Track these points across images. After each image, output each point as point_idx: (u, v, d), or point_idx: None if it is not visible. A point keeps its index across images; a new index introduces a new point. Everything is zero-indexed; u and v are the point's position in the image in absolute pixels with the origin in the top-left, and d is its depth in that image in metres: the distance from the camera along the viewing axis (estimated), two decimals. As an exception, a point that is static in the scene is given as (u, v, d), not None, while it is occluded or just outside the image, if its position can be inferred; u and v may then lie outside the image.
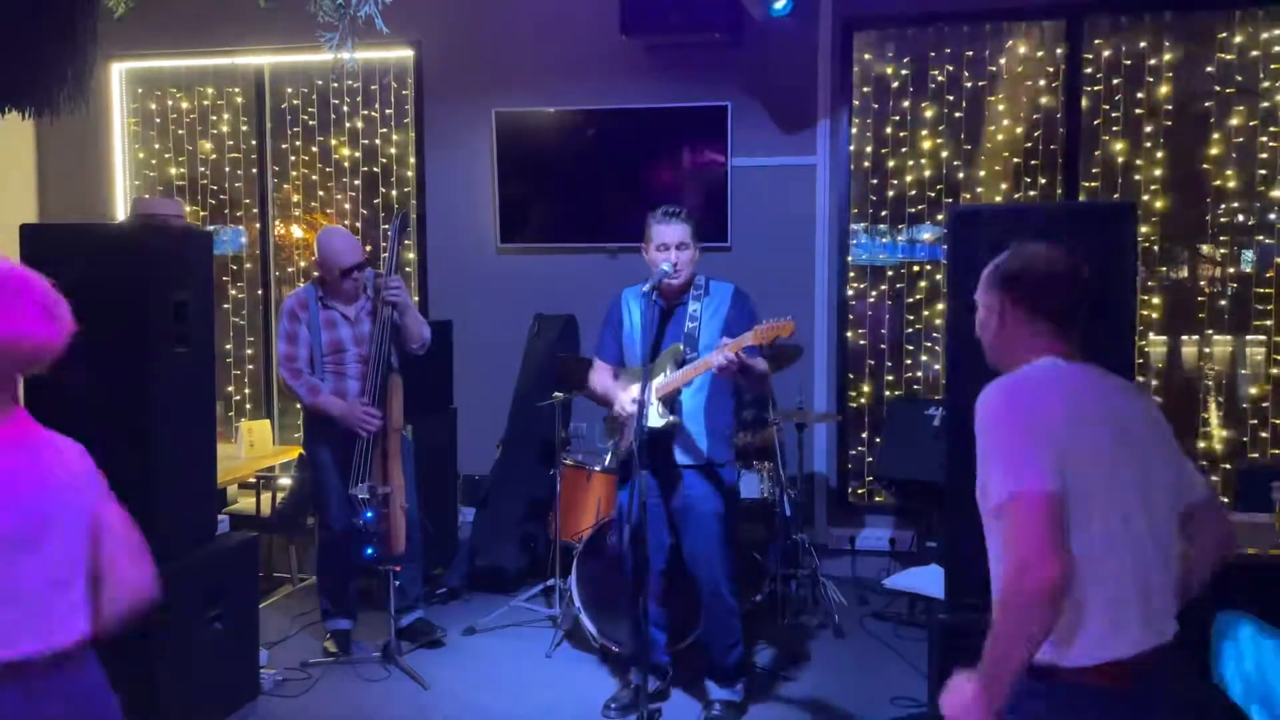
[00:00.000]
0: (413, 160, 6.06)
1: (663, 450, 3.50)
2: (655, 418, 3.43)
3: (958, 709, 1.74)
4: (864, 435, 5.62)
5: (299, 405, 4.33)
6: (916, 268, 5.57)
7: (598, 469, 4.43)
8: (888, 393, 5.57)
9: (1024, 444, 1.71)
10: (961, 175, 5.45)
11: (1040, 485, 1.66)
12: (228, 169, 6.39)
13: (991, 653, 1.67)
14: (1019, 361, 1.91)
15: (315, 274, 4.19)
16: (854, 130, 5.51)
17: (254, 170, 6.35)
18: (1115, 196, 5.20)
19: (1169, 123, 5.22)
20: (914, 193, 5.51)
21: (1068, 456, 1.71)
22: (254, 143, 6.33)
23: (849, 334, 5.53)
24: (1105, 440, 1.77)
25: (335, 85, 6.20)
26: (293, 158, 6.31)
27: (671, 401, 3.49)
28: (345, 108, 6.21)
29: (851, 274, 5.53)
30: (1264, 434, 5.22)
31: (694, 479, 3.55)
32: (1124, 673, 1.74)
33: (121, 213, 6.35)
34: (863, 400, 5.62)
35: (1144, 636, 1.77)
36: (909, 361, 5.57)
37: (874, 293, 5.60)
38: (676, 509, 3.59)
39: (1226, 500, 4.78)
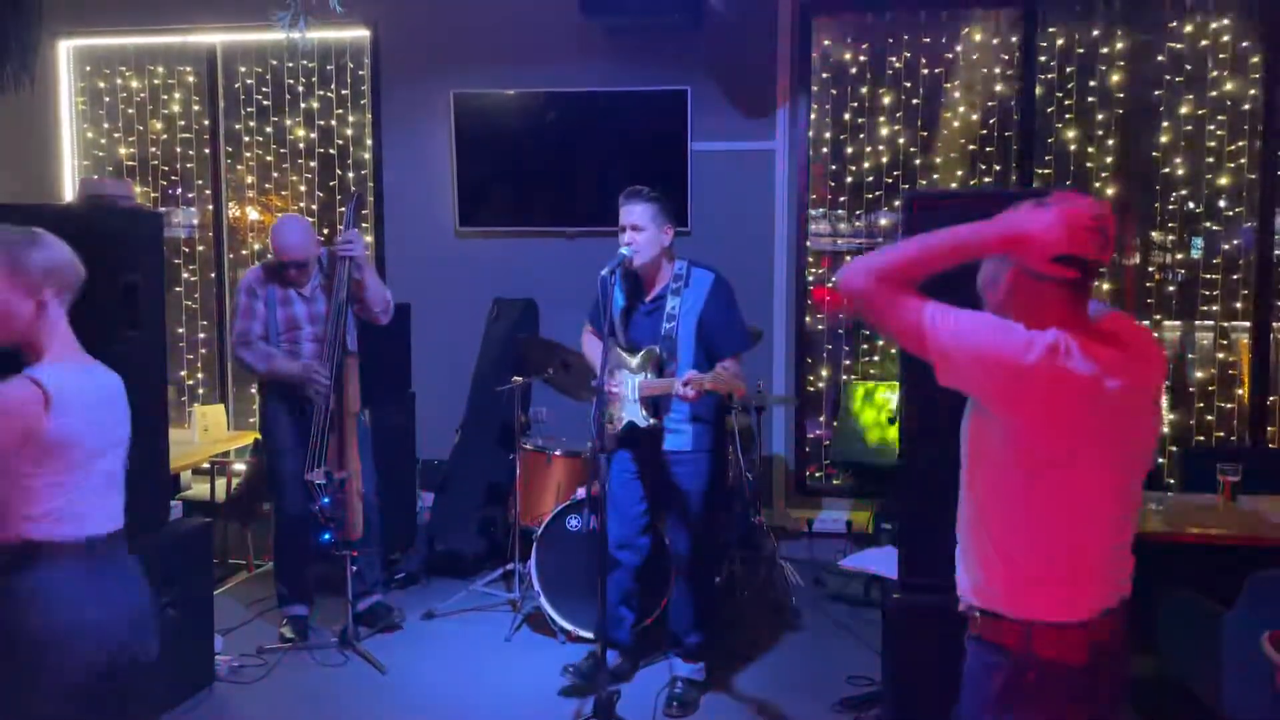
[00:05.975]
0: (369, 142, 5.99)
1: (650, 434, 3.49)
2: (639, 415, 3.44)
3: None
4: (821, 419, 5.67)
5: (255, 386, 4.28)
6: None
7: (557, 453, 4.43)
8: (844, 377, 5.62)
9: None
10: (918, 162, 5.50)
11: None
12: (179, 150, 6.28)
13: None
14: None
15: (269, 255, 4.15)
16: (813, 116, 5.53)
17: (206, 151, 6.24)
18: (1068, 183, 5.28)
19: (1120, 111, 5.31)
20: (871, 179, 5.55)
21: (1052, 408, 1.69)
22: (206, 123, 6.22)
23: (807, 318, 5.58)
24: (1092, 400, 1.70)
25: (290, 65, 6.10)
26: (246, 138, 6.21)
27: (655, 404, 3.48)
28: (300, 88, 6.11)
29: (810, 259, 5.56)
30: (1209, 417, 5.34)
31: (679, 461, 3.53)
32: (1081, 643, 1.75)
33: (69, 193, 6.21)
34: (820, 384, 5.67)
35: (1103, 596, 1.80)
36: (865, 346, 5.63)
37: (832, 279, 5.64)
38: (660, 488, 3.58)
39: (1173, 481, 4.90)
